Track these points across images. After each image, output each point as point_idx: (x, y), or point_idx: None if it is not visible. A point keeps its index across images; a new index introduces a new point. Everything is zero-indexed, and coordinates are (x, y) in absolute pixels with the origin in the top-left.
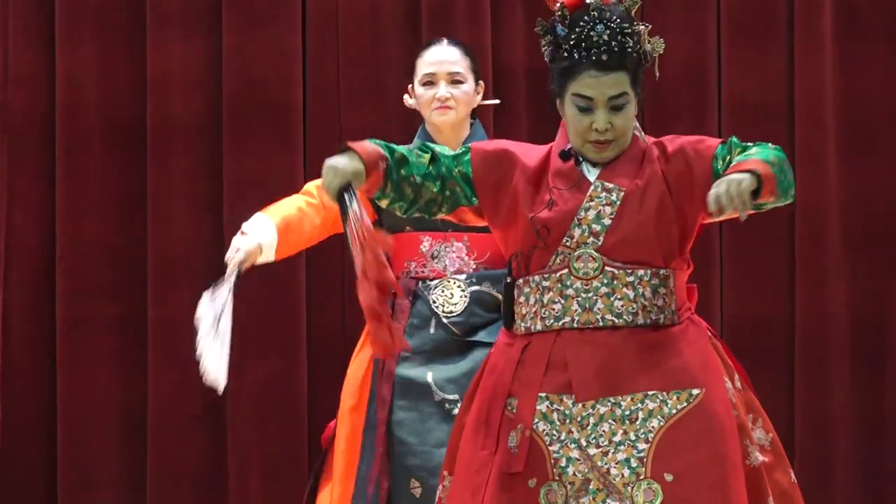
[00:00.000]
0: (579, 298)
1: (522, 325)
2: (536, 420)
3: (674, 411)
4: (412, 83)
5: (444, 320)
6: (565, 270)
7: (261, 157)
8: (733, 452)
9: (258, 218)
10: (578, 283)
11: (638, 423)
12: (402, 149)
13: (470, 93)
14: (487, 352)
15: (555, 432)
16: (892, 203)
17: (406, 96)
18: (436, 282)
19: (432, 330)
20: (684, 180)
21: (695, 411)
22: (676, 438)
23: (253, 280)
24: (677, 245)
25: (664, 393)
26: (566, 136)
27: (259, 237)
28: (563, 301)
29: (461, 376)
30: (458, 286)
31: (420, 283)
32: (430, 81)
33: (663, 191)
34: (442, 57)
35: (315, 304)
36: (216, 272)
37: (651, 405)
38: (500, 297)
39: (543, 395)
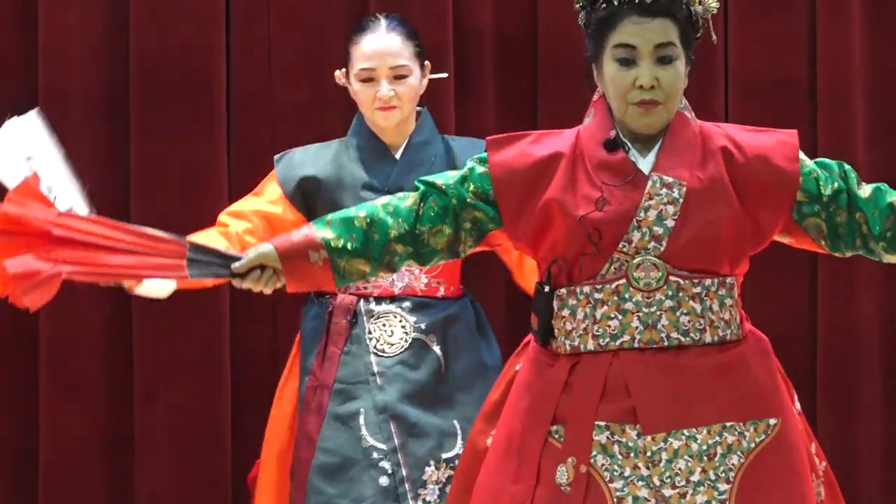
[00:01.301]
0: (640, 314)
1: (567, 342)
2: (594, 453)
3: (752, 445)
4: (346, 70)
5: (371, 356)
6: (623, 281)
7: (175, 140)
8: (810, 491)
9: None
10: (639, 296)
11: (717, 459)
12: (368, 207)
13: (416, 86)
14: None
15: (616, 467)
16: None
17: (338, 74)
18: (382, 309)
19: (365, 359)
20: (764, 186)
21: (774, 444)
22: (758, 478)
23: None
24: (745, 251)
25: (741, 424)
26: (602, 118)
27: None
28: (620, 317)
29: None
30: (403, 327)
31: (363, 301)
32: (369, 78)
33: (731, 191)
34: (381, 47)
35: (240, 319)
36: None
37: (730, 439)
38: (440, 354)
39: (602, 423)
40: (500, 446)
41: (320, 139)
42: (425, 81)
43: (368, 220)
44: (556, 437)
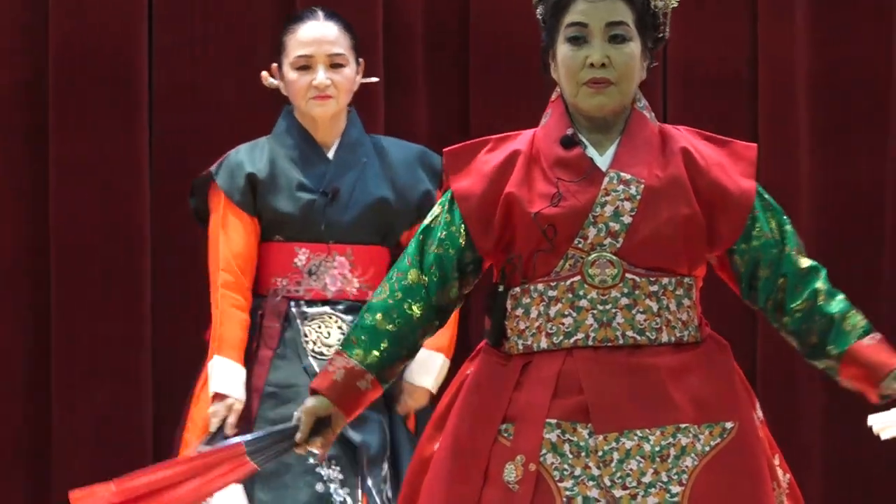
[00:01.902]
0: (595, 311)
1: (520, 342)
2: (544, 451)
3: (707, 448)
4: (279, 63)
5: (311, 360)
6: (577, 278)
7: (95, 136)
8: (767, 498)
9: (224, 368)
10: (594, 293)
11: (670, 461)
12: (378, 306)
13: (352, 78)
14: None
15: (567, 467)
16: (876, 197)
17: (265, 74)
18: (316, 311)
19: (304, 362)
20: (723, 198)
21: (730, 448)
22: (712, 481)
23: (87, 290)
24: (703, 254)
25: (696, 426)
26: (559, 117)
27: (237, 394)
28: (575, 314)
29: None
30: (339, 326)
31: (294, 304)
32: (305, 65)
33: (691, 192)
34: (319, 35)
35: (162, 320)
36: (42, 281)
37: (684, 441)
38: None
39: (553, 421)
40: (447, 447)
41: (245, 137)
42: (359, 79)
43: (389, 320)
44: (506, 435)
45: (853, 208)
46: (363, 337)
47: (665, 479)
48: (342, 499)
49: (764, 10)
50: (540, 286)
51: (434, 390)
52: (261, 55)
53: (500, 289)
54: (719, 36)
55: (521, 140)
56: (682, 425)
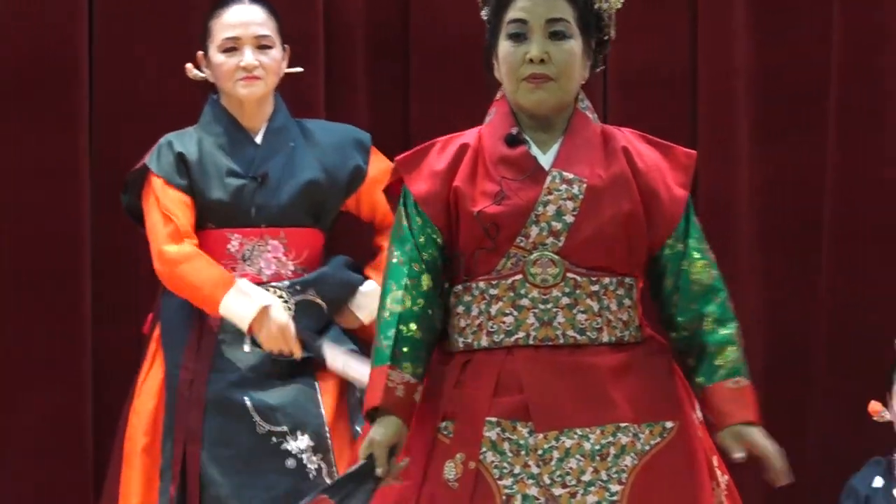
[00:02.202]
0: (536, 310)
1: (461, 339)
2: (484, 449)
3: (647, 447)
4: (205, 49)
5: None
6: (519, 276)
7: (34, 137)
8: (706, 497)
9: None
10: (535, 292)
11: (609, 460)
12: (401, 315)
13: (279, 60)
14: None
15: (506, 465)
16: (816, 194)
17: (189, 66)
18: None
19: (247, 347)
20: (660, 201)
21: (669, 447)
22: (651, 480)
23: (25, 291)
24: (644, 249)
25: (636, 426)
26: (503, 116)
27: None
28: (516, 313)
29: (289, 404)
30: (280, 296)
31: None
32: (232, 47)
33: (635, 190)
34: (246, 17)
35: (103, 321)
36: None
37: (624, 440)
38: (325, 305)
39: (493, 419)
40: None
41: None
42: (285, 65)
43: (422, 329)
44: (445, 433)
45: (792, 209)
46: (406, 349)
47: (605, 477)
48: (316, 466)
49: (703, 11)
50: (482, 284)
51: (367, 323)
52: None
53: (444, 286)
54: (659, 37)
55: (468, 135)
56: (622, 424)
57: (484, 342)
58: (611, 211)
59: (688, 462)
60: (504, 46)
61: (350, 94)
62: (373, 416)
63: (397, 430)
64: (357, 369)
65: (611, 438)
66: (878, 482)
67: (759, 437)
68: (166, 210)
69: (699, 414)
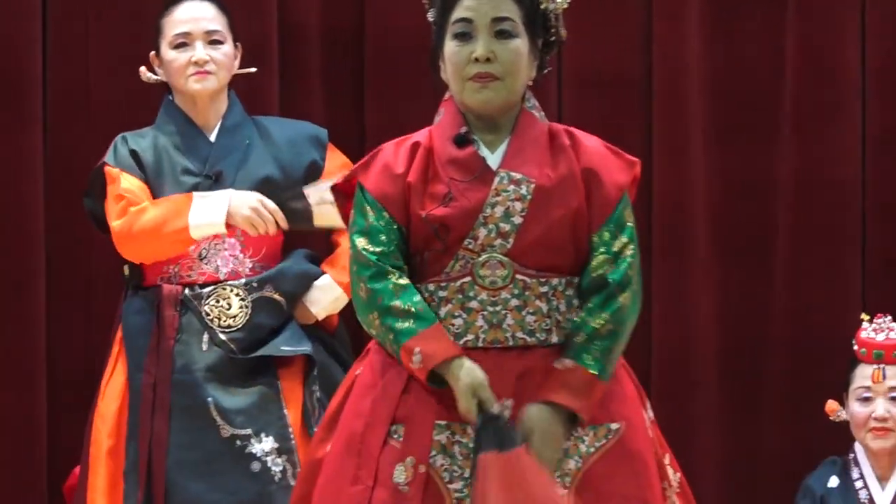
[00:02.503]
0: (485, 312)
1: None
2: (434, 453)
3: (592, 450)
4: (157, 48)
5: (222, 336)
6: (468, 279)
7: None
8: (654, 499)
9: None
10: (484, 295)
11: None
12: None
13: (230, 55)
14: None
15: (457, 468)
16: (771, 196)
17: (143, 70)
18: (209, 289)
19: (204, 347)
20: (597, 191)
21: (615, 450)
22: (596, 483)
23: None
24: (586, 252)
25: (580, 429)
26: (452, 116)
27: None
28: (465, 315)
29: (252, 407)
30: (237, 294)
31: (188, 289)
32: (183, 43)
33: (580, 188)
34: (196, 13)
35: (56, 320)
36: None
37: (567, 443)
38: (284, 301)
39: (443, 423)
40: (339, 448)
41: None
42: (237, 62)
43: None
44: (396, 437)
45: (747, 208)
46: (421, 307)
47: None
48: (281, 468)
49: (658, 12)
50: (431, 286)
51: (320, 318)
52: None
53: None
54: (614, 37)
55: (420, 135)
56: None
57: None
58: (560, 211)
59: (635, 463)
60: (450, 46)
61: (304, 95)
62: (439, 373)
63: (476, 368)
64: None
65: None
66: (834, 482)
67: (533, 418)
68: (121, 193)
69: (650, 413)
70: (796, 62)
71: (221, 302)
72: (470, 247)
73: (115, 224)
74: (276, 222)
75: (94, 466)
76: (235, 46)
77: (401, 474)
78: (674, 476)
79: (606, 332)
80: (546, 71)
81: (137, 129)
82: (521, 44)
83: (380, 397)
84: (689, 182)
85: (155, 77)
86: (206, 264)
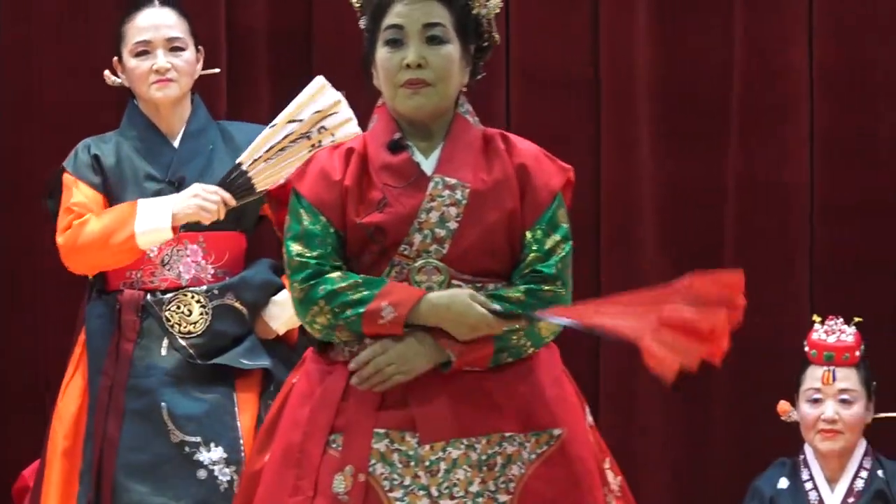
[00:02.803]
0: None
1: (346, 349)
2: (373, 461)
3: (533, 456)
4: (118, 55)
5: (181, 341)
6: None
7: None
8: (597, 502)
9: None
10: None
11: (497, 470)
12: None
13: (192, 62)
14: (237, 382)
15: (396, 476)
16: (719, 197)
17: (107, 73)
18: (170, 295)
19: (164, 352)
20: (531, 191)
21: (556, 455)
22: (539, 489)
23: None
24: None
25: (522, 434)
26: (385, 122)
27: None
28: None
29: (204, 415)
30: (198, 300)
31: (150, 295)
32: (144, 51)
33: (515, 190)
34: (157, 20)
35: (3, 323)
36: None
37: (510, 449)
38: (245, 310)
39: (382, 431)
40: (277, 459)
41: (88, 134)
42: (199, 67)
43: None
44: (334, 446)
45: (695, 208)
46: (367, 279)
47: (493, 487)
48: (228, 478)
49: (605, 13)
50: None
51: (281, 333)
52: (103, 55)
53: None
54: (562, 37)
55: (354, 141)
56: (508, 434)
57: None
58: (495, 215)
59: (576, 468)
60: (381, 53)
61: (252, 96)
62: (416, 320)
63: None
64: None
65: (497, 448)
66: (784, 483)
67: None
68: (70, 206)
69: (590, 418)
70: (744, 64)
71: (182, 308)
72: (405, 252)
73: (59, 239)
74: (224, 200)
75: (50, 466)
76: (197, 50)
77: (340, 484)
78: (614, 480)
79: (516, 300)
80: (480, 76)
81: (101, 134)
82: (452, 49)
83: (317, 406)
84: (637, 183)
85: (119, 81)
86: (168, 270)
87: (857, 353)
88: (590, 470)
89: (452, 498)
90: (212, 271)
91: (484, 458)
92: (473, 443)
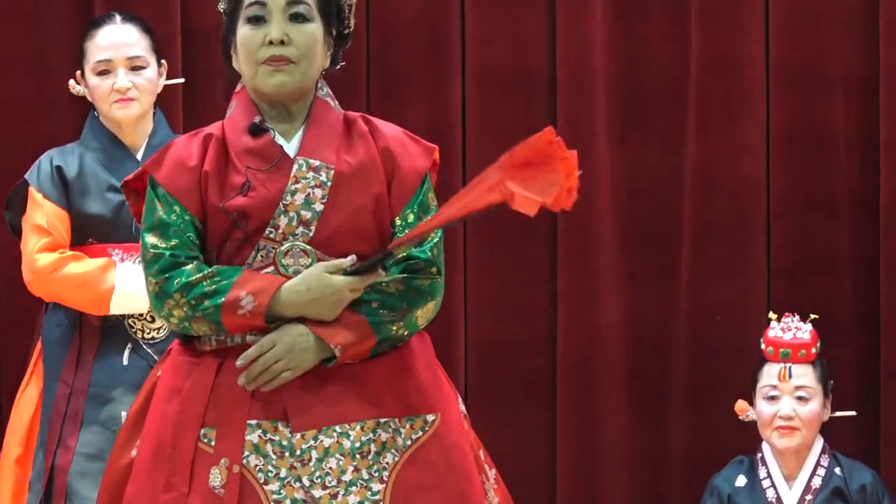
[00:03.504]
0: None
1: (213, 338)
2: (247, 453)
3: (408, 442)
4: (81, 69)
5: (145, 347)
6: (271, 269)
7: None
8: (477, 491)
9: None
10: None
11: (370, 457)
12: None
13: (154, 79)
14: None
15: (271, 468)
16: (676, 193)
17: (72, 82)
18: None
19: (125, 360)
20: (399, 174)
21: (431, 442)
22: (415, 476)
23: None
24: (390, 238)
25: (397, 421)
26: (245, 107)
27: None
28: None
29: None
30: None
31: None
32: (105, 70)
33: (381, 173)
34: (118, 39)
35: None
36: None
37: (384, 436)
38: None
39: (254, 422)
40: (147, 456)
41: (44, 138)
42: (162, 80)
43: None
44: (206, 441)
45: (652, 204)
46: (222, 269)
47: (366, 476)
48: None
49: (561, 9)
50: None
51: None
52: (56, 53)
53: None
54: (517, 32)
55: (212, 127)
56: (382, 420)
57: (237, 339)
58: (361, 198)
59: (452, 454)
60: (243, 31)
61: (208, 96)
62: (275, 311)
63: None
64: None
65: (371, 435)
66: (741, 481)
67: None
68: (43, 223)
69: (463, 408)
70: (700, 57)
71: (145, 314)
72: (271, 236)
73: (37, 257)
74: None
75: (2, 474)
76: (160, 65)
77: (216, 477)
78: (490, 471)
79: (395, 290)
80: (340, 65)
81: (64, 146)
82: (315, 28)
83: (187, 401)
84: (594, 179)
85: (83, 91)
86: None
87: (814, 350)
88: (466, 457)
89: (325, 487)
90: None
91: (357, 445)
92: (347, 430)
